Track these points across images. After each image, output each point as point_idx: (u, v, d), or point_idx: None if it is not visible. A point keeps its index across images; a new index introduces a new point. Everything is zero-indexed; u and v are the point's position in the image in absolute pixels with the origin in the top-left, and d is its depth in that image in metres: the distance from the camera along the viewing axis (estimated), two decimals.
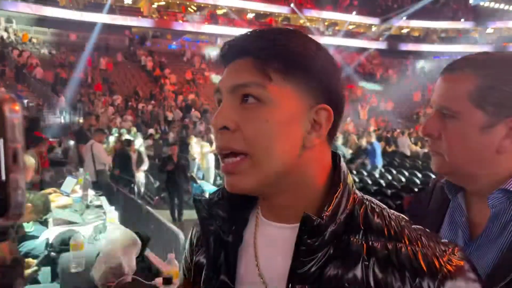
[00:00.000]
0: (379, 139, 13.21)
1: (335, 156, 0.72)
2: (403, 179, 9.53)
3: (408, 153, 14.02)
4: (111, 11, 28.95)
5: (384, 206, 0.71)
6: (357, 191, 0.71)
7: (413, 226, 0.67)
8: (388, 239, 0.64)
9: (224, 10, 34.06)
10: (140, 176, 9.49)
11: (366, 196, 0.71)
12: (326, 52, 0.69)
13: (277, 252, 0.69)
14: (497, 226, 0.92)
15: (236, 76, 0.66)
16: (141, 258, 2.67)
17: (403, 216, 0.70)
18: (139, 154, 9.50)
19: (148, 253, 2.84)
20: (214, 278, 0.71)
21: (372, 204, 0.69)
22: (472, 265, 0.64)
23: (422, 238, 0.65)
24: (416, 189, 8.07)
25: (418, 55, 36.01)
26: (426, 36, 39.08)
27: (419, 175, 9.92)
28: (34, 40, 24.63)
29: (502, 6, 37.73)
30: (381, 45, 36.97)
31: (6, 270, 0.45)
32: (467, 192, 1.00)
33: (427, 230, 0.68)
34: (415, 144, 15.45)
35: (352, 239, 0.65)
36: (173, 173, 8.31)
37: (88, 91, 20.83)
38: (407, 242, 0.64)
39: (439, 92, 0.97)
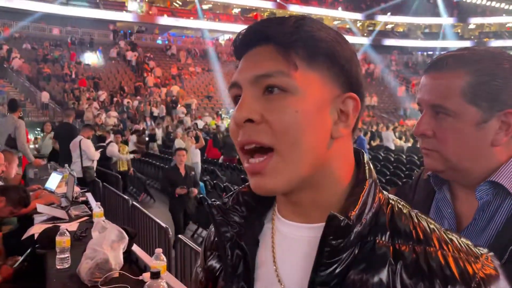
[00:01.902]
0: (364, 133, 13.33)
1: (357, 153, 0.69)
2: (388, 173, 9.63)
3: (393, 147, 14.19)
4: (95, 5, 28.61)
5: (409, 206, 0.67)
6: (383, 190, 0.67)
7: (443, 229, 0.63)
8: (417, 242, 0.60)
9: (210, 5, 33.88)
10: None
11: (392, 196, 0.67)
12: (344, 38, 0.65)
13: (297, 253, 0.65)
14: (484, 217, 0.93)
15: (257, 66, 0.61)
16: (128, 253, 2.67)
17: (431, 219, 0.66)
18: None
19: (136, 248, 2.83)
20: (234, 286, 0.68)
21: (398, 204, 0.65)
22: (506, 273, 0.60)
23: (453, 242, 0.61)
24: (400, 183, 8.18)
25: (402, 50, 36.38)
26: (409, 31, 39.46)
27: (404, 168, 10.06)
28: (16, 35, 24.18)
29: (484, 2, 38.26)
30: (366, 40, 37.22)
31: None
32: (452, 184, 1.02)
33: (458, 233, 0.64)
34: (399, 138, 15.63)
35: (378, 241, 0.61)
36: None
37: (72, 86, 20.59)
38: (437, 246, 0.60)
39: (429, 91, 0.96)
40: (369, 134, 15.11)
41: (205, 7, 34.06)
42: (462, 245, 0.61)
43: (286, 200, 0.67)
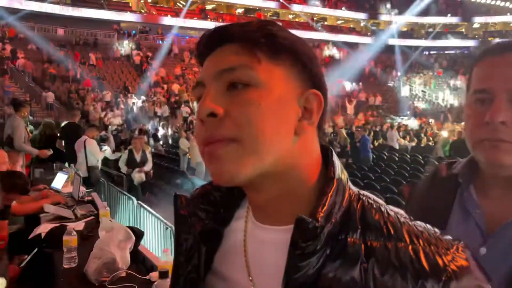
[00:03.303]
0: (368, 133, 13.31)
1: (326, 150, 0.68)
2: (392, 173, 9.62)
3: (397, 147, 14.16)
4: (100, 6, 28.71)
5: (382, 202, 0.66)
6: (352, 187, 0.67)
7: (413, 222, 0.63)
8: (388, 238, 0.60)
9: (213, 5, 33.93)
10: (142, 177, 8.42)
11: (362, 192, 0.67)
12: (305, 41, 0.68)
13: (270, 256, 0.65)
14: None
15: (222, 61, 0.62)
16: (135, 253, 2.69)
17: (402, 212, 0.65)
18: (143, 153, 8.61)
19: (142, 247, 2.85)
20: (185, 277, 0.69)
21: (369, 200, 0.65)
22: (478, 262, 0.60)
23: (423, 235, 0.61)
24: (405, 182, 8.16)
25: (406, 49, 36.26)
26: (413, 31, 39.35)
27: (408, 168, 10.04)
28: (21, 35, 24.28)
29: (488, 1, 38.07)
30: (370, 40, 37.15)
31: None
32: (486, 182, 0.97)
33: (428, 225, 0.64)
34: (403, 138, 15.61)
35: (349, 239, 0.61)
36: None
37: (77, 87, 20.66)
38: (408, 241, 0.60)
39: (507, 75, 0.89)
40: (372, 133, 15.09)
41: (208, 7, 34.13)
42: (432, 237, 0.61)
43: (254, 200, 0.67)
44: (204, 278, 0.69)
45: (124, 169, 8.45)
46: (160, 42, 29.65)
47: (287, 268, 0.60)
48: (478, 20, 39.14)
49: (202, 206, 0.71)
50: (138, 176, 8.27)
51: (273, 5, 35.22)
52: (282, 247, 0.62)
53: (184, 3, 33.51)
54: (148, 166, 8.59)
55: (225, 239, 0.71)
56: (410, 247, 0.59)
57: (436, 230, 0.63)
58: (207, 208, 0.71)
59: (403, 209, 0.69)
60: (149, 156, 8.78)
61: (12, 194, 3.48)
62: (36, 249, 3.03)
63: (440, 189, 1.05)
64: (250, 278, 0.66)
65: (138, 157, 8.50)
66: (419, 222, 0.64)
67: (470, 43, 37.43)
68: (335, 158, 0.67)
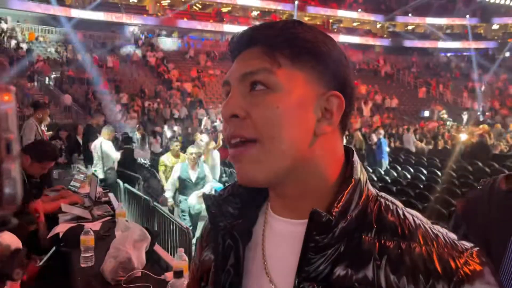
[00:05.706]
0: (383, 135, 13.19)
1: (349, 151, 0.70)
2: (409, 176, 9.51)
3: (413, 150, 14.00)
4: (117, 9, 29.11)
5: (400, 204, 0.68)
6: (371, 188, 0.68)
7: (429, 225, 0.64)
8: (402, 238, 0.61)
9: (229, 8, 34.06)
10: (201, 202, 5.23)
11: (381, 193, 0.69)
12: (334, 41, 0.68)
13: (286, 249, 0.67)
14: None
15: (245, 65, 0.65)
16: (150, 253, 2.71)
17: (420, 215, 0.66)
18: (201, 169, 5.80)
19: (158, 247, 2.87)
20: (223, 276, 0.70)
21: (386, 201, 0.67)
22: (492, 268, 0.60)
23: (438, 238, 0.62)
24: (422, 186, 8.06)
25: (423, 51, 35.85)
26: (431, 32, 38.87)
27: (425, 171, 9.91)
28: (41, 39, 24.73)
29: (507, 1, 37.39)
30: (386, 42, 36.84)
31: (6, 260, 0.44)
32: None
33: (445, 229, 0.65)
34: (420, 140, 15.41)
35: (363, 237, 0.62)
36: None
37: (94, 89, 20.93)
38: (421, 242, 0.61)
39: None
40: (387, 136, 14.95)
41: (224, 10, 34.29)
42: (447, 240, 0.62)
43: (274, 194, 0.70)
44: (242, 275, 0.70)
45: (170, 194, 5.97)
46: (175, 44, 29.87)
47: (300, 260, 0.62)
48: (497, 22, 38.48)
49: (233, 203, 0.73)
50: (197, 202, 5.51)
51: (288, 7, 35.20)
52: (298, 240, 0.64)
53: (200, 6, 33.74)
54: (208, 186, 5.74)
55: (253, 234, 0.73)
56: (423, 248, 0.60)
57: (453, 235, 0.64)
58: (237, 206, 0.73)
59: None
60: (208, 170, 5.98)
61: (45, 162, 3.49)
62: (54, 248, 3.07)
63: (502, 206, 0.95)
64: (265, 267, 0.69)
65: (194, 175, 5.71)
66: (436, 226, 0.65)
67: (489, 44, 36.82)
68: (356, 158, 0.69)
